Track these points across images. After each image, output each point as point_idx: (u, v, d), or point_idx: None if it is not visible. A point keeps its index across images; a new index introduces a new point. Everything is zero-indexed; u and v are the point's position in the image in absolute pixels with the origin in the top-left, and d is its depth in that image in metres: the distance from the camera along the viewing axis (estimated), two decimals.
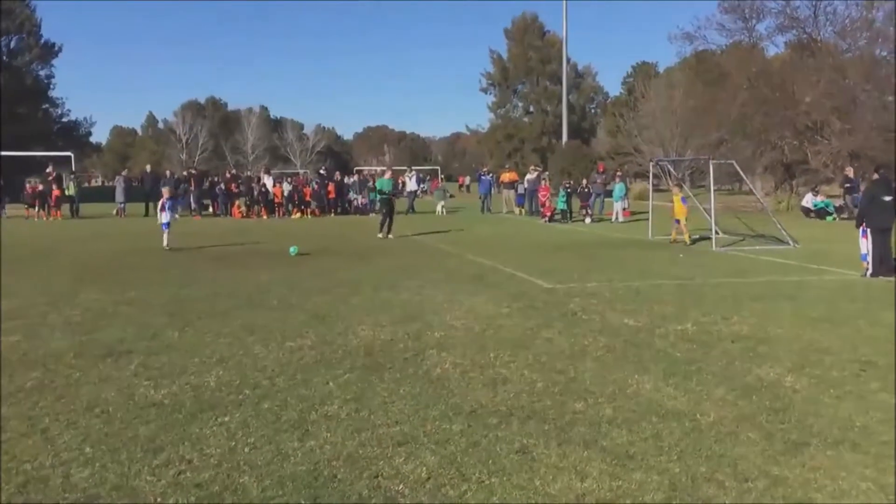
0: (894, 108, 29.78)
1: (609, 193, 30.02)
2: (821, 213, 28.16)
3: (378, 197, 21.48)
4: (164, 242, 17.10)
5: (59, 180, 30.29)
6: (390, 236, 20.16)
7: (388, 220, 20.47)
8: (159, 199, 17.60)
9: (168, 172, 34.96)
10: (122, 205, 30.99)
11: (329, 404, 5.66)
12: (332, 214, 31.56)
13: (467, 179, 77.30)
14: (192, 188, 31.84)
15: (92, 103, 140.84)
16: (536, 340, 7.78)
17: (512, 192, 33.60)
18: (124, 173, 36.93)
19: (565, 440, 4.92)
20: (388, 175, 22.27)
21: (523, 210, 32.01)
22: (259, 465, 4.53)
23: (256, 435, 5.02)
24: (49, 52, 62.78)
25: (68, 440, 4.93)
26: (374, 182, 35.88)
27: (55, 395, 5.91)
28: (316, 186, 32.74)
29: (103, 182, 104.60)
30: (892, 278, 12.17)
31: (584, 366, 6.76)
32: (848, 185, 26.52)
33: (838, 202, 28.58)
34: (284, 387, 6.12)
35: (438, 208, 33.39)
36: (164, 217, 17.29)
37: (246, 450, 4.77)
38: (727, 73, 37.56)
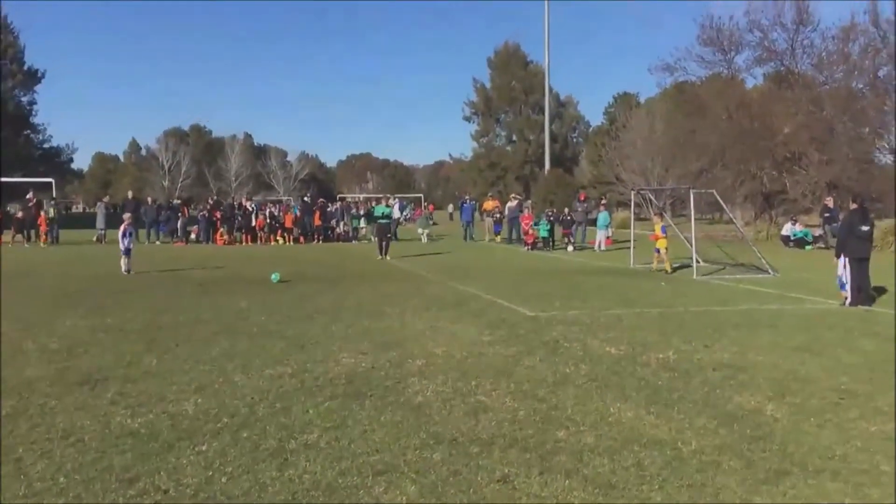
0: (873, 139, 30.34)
1: (591, 222, 30.18)
2: (800, 242, 28.44)
3: (377, 222, 24.23)
4: (123, 268, 17.39)
5: (39, 206, 30.10)
6: (387, 258, 22.38)
7: (384, 243, 23.03)
8: (121, 225, 17.80)
9: (149, 199, 34.80)
10: (103, 231, 30.75)
11: (309, 433, 5.60)
12: (316, 241, 31.51)
13: (450, 207, 77.62)
14: (181, 216, 31.82)
15: (74, 129, 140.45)
16: (518, 368, 7.76)
17: (491, 219, 33.73)
18: (105, 199, 36.77)
19: (547, 469, 4.88)
20: (384, 203, 25.51)
21: (498, 237, 32.15)
22: (237, 495, 4.47)
23: (234, 464, 4.95)
24: (32, 78, 62.75)
25: (42, 470, 4.84)
26: (357, 209, 36.00)
27: (30, 423, 5.81)
28: (298, 213, 32.71)
29: (84, 209, 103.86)
30: (870, 307, 12.29)
31: (566, 394, 6.75)
32: (827, 214, 26.84)
33: (817, 231, 28.89)
34: (264, 415, 6.05)
35: (422, 235, 33.41)
36: (124, 243, 17.47)
37: (223, 480, 4.69)
38: (707, 104, 38.05)
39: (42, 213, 29.32)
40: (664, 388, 6.99)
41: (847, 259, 12.65)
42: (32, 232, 29.41)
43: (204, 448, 5.25)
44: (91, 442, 5.38)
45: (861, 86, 33.29)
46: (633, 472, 4.84)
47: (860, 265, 12.64)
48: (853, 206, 13.42)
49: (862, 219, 12.92)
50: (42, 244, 28.45)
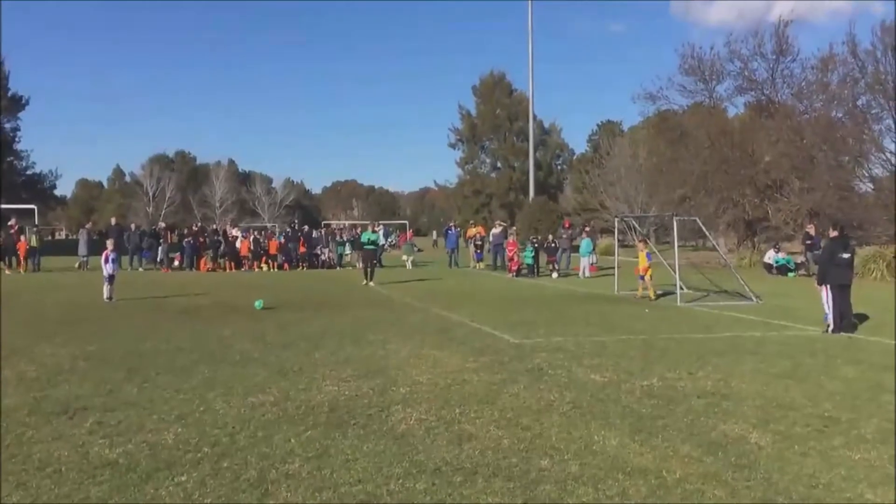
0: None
1: (576, 249, 30.29)
2: (782, 269, 28.64)
3: (364, 247, 24.78)
4: (105, 295, 17.29)
5: (21, 233, 29.85)
6: (372, 284, 22.51)
7: (370, 269, 23.40)
8: (104, 252, 17.71)
9: (133, 226, 34.60)
10: (85, 258, 30.47)
11: (290, 462, 5.53)
12: (300, 268, 31.42)
13: (433, 234, 77.84)
14: (164, 242, 31.59)
15: (58, 156, 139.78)
16: (502, 396, 7.72)
17: (473, 246, 33.88)
18: (88, 226, 36.48)
19: (531, 498, 4.84)
20: (370, 229, 25.67)
21: (480, 265, 32.24)
22: None
23: (214, 495, 4.87)
24: (16, 105, 62.54)
25: (17, 501, 4.75)
26: (341, 235, 35.98)
27: (6, 454, 5.70)
28: (283, 240, 32.65)
29: (67, 235, 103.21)
30: (852, 334, 12.36)
31: (551, 422, 6.71)
32: (809, 241, 27.06)
33: (799, 259, 29.11)
34: (245, 444, 5.97)
35: (407, 262, 33.39)
36: (108, 269, 17.31)
37: None
38: (689, 133, 38.45)
39: (22, 240, 29.07)
40: (648, 415, 6.97)
41: (829, 286, 12.73)
42: (14, 259, 29.13)
43: (183, 478, 5.17)
44: (68, 472, 5.28)
45: (840, 115, 33.75)
46: (617, 502, 4.81)
47: (842, 292, 12.73)
48: (833, 233, 13.54)
49: (843, 246, 13.04)
50: (21, 271, 28.16)
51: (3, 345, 10.68)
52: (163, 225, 35.28)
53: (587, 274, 27.24)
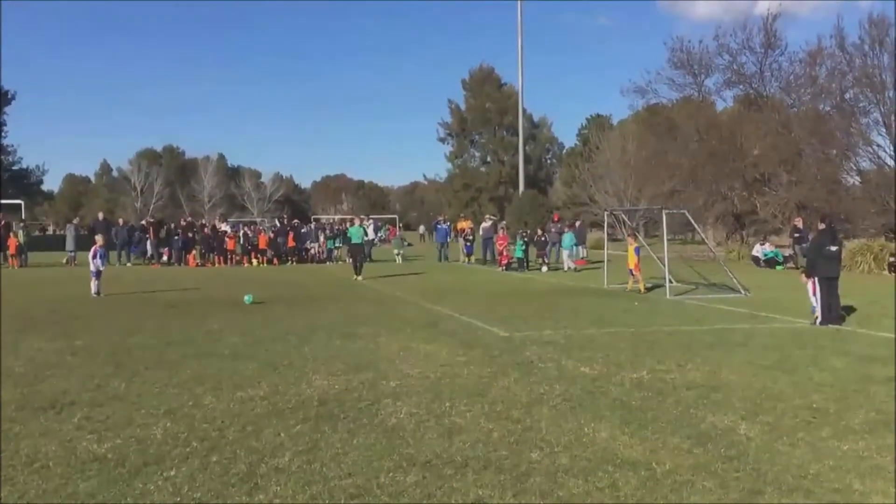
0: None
1: None
2: (770, 262, 28.78)
3: (350, 243, 24.82)
4: (93, 290, 17.21)
5: (8, 228, 29.63)
6: (360, 278, 22.51)
7: (358, 264, 23.30)
8: (92, 247, 17.61)
9: (120, 220, 34.39)
10: (73, 253, 30.30)
11: (280, 456, 5.51)
12: (290, 263, 31.35)
13: (420, 229, 77.70)
14: (151, 237, 31.37)
15: (45, 151, 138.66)
16: (492, 389, 7.72)
17: (463, 240, 33.95)
18: (75, 221, 36.25)
19: (521, 491, 4.84)
20: (356, 224, 25.42)
21: (471, 258, 32.28)
22: None
23: (203, 489, 4.85)
24: (2, 99, 62.04)
25: (4, 497, 4.71)
26: (331, 230, 35.94)
27: None
28: (272, 234, 32.55)
29: (55, 230, 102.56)
30: (840, 326, 12.42)
31: (541, 414, 6.72)
32: (797, 234, 27.19)
33: (787, 252, 29.26)
34: (234, 439, 5.95)
35: (397, 256, 33.38)
36: (95, 264, 17.29)
37: None
38: (678, 126, 38.54)
39: (11, 236, 28.85)
40: (638, 407, 6.98)
41: (816, 279, 12.79)
42: (3, 254, 28.93)
43: (172, 473, 5.14)
44: (56, 468, 5.25)
45: (828, 108, 33.91)
46: (607, 493, 4.82)
47: (830, 285, 12.78)
48: (821, 226, 13.60)
49: (830, 239, 13.09)
50: (10, 267, 27.96)
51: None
52: (151, 220, 35.04)
53: (572, 267, 27.26)
